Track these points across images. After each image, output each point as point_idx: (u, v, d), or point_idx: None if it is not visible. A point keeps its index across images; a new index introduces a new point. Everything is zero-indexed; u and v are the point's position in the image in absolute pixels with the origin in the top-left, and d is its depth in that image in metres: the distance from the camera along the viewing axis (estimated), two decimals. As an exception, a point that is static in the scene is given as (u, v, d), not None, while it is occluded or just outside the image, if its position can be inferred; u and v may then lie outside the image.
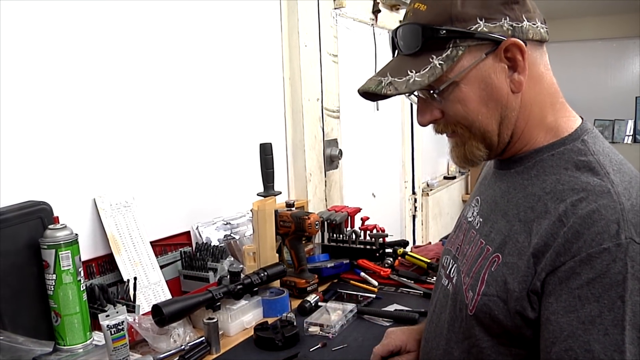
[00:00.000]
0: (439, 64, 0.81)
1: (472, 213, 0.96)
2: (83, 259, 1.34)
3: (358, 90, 0.88)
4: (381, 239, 1.89)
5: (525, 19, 0.82)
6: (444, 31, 0.80)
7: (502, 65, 0.82)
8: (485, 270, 0.83)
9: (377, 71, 0.88)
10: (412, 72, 0.81)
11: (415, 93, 0.87)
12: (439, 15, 0.81)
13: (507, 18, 0.81)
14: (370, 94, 0.86)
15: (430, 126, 0.91)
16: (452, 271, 0.96)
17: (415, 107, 0.92)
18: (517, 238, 0.80)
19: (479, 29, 0.80)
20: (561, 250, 0.73)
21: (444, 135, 0.91)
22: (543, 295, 0.75)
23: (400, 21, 0.90)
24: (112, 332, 1.15)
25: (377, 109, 3.00)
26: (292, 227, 1.65)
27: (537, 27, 0.83)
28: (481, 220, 0.92)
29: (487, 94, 0.83)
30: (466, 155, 0.88)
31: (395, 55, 0.88)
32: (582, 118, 0.89)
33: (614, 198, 0.74)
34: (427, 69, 0.81)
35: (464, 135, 0.86)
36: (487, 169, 1.02)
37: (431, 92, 0.83)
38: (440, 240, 2.37)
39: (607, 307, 0.69)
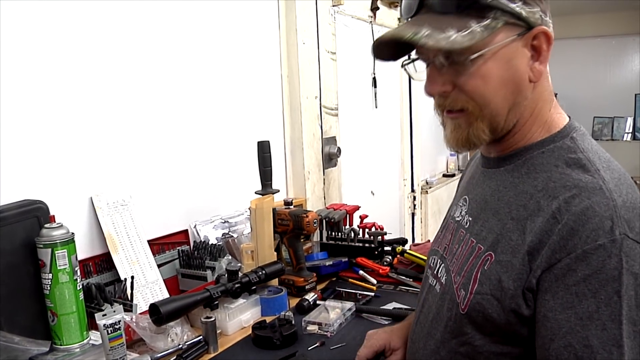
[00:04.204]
0: (480, 30, 0.78)
1: (460, 212, 0.96)
2: (80, 258, 1.34)
3: (381, 39, 0.82)
4: (380, 237, 1.88)
5: (547, 15, 0.82)
6: None
7: (525, 51, 0.81)
8: (477, 269, 0.83)
9: (401, 24, 0.83)
10: (452, 30, 0.78)
11: (428, 58, 0.83)
12: None
13: (539, 8, 0.80)
14: (389, 51, 0.83)
15: (434, 121, 0.90)
16: (440, 271, 0.95)
17: (423, 95, 0.89)
18: (510, 236, 0.80)
19: (518, 9, 0.79)
20: (556, 248, 0.74)
21: (439, 115, 0.89)
22: (539, 292, 0.76)
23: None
24: (109, 332, 1.14)
25: (376, 107, 2.99)
26: (290, 226, 1.64)
27: (551, 23, 0.83)
28: (470, 219, 0.91)
29: (509, 76, 0.81)
30: (469, 137, 0.85)
31: (417, 13, 0.83)
32: (569, 117, 0.89)
33: (607, 194, 0.74)
34: (467, 32, 0.78)
35: (472, 114, 0.83)
36: (473, 168, 1.02)
37: (462, 57, 0.80)
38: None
39: (604, 303, 0.70)
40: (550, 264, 0.74)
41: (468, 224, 0.91)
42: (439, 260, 0.97)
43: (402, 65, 0.90)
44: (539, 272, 0.75)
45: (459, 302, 0.84)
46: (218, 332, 1.34)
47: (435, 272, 0.97)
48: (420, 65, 0.88)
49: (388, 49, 0.85)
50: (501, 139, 0.87)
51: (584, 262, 0.71)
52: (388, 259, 1.84)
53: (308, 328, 1.39)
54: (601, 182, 0.76)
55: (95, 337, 1.27)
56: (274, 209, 1.66)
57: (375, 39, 0.84)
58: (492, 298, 0.79)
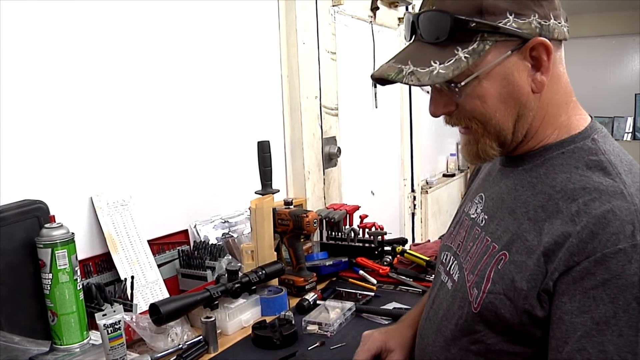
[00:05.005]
0: (465, 57, 0.78)
1: (476, 210, 0.95)
2: (80, 257, 1.34)
3: (372, 75, 0.84)
4: (380, 237, 1.88)
5: (552, 17, 0.80)
6: (474, 23, 0.77)
7: (525, 63, 0.80)
8: (491, 268, 0.82)
9: (394, 56, 0.84)
10: (435, 62, 0.78)
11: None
12: (468, 6, 0.78)
13: (536, 15, 0.78)
14: (386, 80, 0.82)
15: (434, 121, 0.90)
16: (452, 268, 0.94)
17: (425, 95, 0.89)
18: (525, 237, 0.79)
19: (509, 24, 0.77)
20: (575, 250, 0.72)
21: (453, 129, 0.89)
22: (555, 294, 0.74)
23: (400, 9, 0.87)
24: (109, 332, 1.14)
25: (376, 107, 2.99)
26: (290, 225, 1.64)
27: (562, 25, 0.81)
28: (486, 217, 0.90)
29: (508, 92, 0.81)
30: (478, 153, 0.86)
31: (412, 40, 0.85)
32: (591, 117, 0.88)
33: (628, 199, 0.73)
34: (452, 61, 0.78)
35: (477, 131, 0.84)
36: (490, 165, 1.00)
37: (452, 85, 0.80)
38: (440, 238, 2.36)
39: (622, 309, 0.69)
40: (569, 267, 0.73)
41: (483, 222, 0.90)
42: (451, 257, 0.97)
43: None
44: (557, 275, 0.74)
45: (471, 300, 0.84)
46: (218, 332, 1.34)
47: (447, 269, 0.96)
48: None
49: (383, 79, 0.84)
50: (517, 145, 0.86)
51: (603, 266, 0.70)
52: (388, 259, 1.84)
53: (308, 328, 1.39)
54: (622, 186, 0.75)
55: (95, 337, 1.27)
56: (274, 209, 1.66)
57: (370, 74, 0.85)
58: (504, 298, 0.79)
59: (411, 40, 0.85)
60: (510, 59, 0.79)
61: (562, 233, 0.74)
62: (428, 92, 0.87)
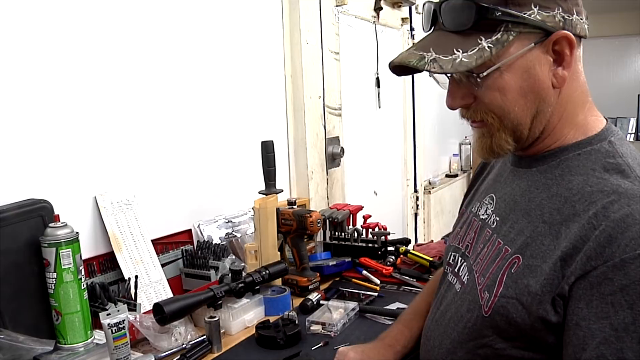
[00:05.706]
0: (488, 47, 0.76)
1: (486, 211, 0.93)
2: (84, 257, 1.34)
3: (392, 63, 0.82)
4: (383, 237, 1.88)
5: (574, 12, 0.79)
6: (499, 12, 0.76)
7: (547, 57, 0.79)
8: (503, 271, 0.81)
9: (414, 44, 0.82)
10: (458, 51, 0.77)
11: (449, 74, 0.83)
12: None
13: (560, 9, 0.77)
14: (405, 67, 0.81)
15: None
16: (461, 269, 0.93)
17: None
18: (541, 241, 0.78)
19: (533, 16, 0.76)
20: (592, 255, 0.71)
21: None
22: (571, 299, 0.73)
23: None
24: (113, 331, 1.14)
25: (379, 107, 2.99)
26: (293, 225, 1.64)
27: (583, 22, 0.81)
28: (498, 219, 0.89)
29: (528, 86, 0.80)
30: (493, 147, 0.84)
31: (432, 30, 0.83)
32: (606, 119, 0.87)
33: None
34: (475, 50, 0.76)
35: (493, 125, 0.82)
36: (500, 165, 0.99)
37: (473, 75, 0.79)
38: (443, 238, 2.36)
39: None
40: (585, 271, 0.71)
41: (495, 224, 0.89)
42: (459, 258, 0.95)
43: (430, 75, 0.88)
44: (573, 279, 0.72)
45: (482, 304, 0.82)
46: (222, 331, 1.33)
47: (455, 270, 0.95)
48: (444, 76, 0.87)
49: (402, 68, 0.83)
50: (531, 144, 0.85)
51: (621, 271, 0.69)
52: (391, 259, 1.84)
53: (312, 328, 1.39)
54: None
55: (99, 336, 1.27)
56: (277, 209, 1.66)
57: (389, 62, 0.83)
58: (517, 303, 0.77)
59: (431, 30, 0.84)
60: (533, 51, 0.78)
61: (579, 237, 0.73)
62: (440, 82, 0.86)
